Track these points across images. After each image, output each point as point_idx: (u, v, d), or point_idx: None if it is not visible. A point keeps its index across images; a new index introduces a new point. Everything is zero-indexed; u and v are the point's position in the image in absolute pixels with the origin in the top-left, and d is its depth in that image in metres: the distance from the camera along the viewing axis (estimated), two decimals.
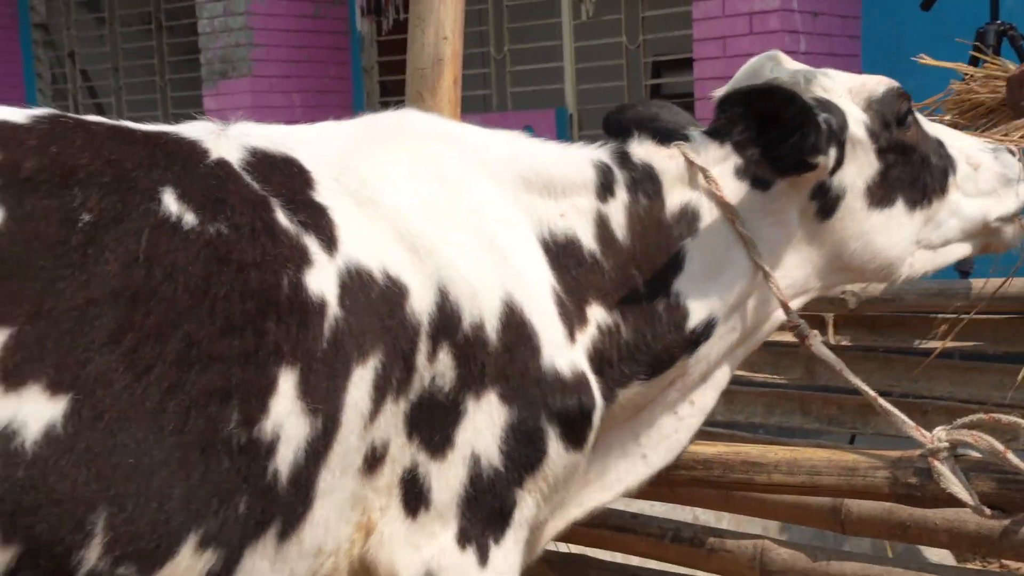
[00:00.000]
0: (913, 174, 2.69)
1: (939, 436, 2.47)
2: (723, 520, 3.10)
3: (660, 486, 2.82)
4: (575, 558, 3.15)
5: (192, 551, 1.99)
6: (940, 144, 2.75)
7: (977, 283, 3.47)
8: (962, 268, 5.20)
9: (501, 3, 10.10)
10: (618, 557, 3.06)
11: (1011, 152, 2.87)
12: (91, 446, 1.90)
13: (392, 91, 10.87)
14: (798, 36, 7.55)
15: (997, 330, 3.67)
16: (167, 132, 2.22)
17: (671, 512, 3.15)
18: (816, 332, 2.65)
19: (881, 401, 2.58)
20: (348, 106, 10.71)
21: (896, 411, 2.55)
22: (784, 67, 2.67)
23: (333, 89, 10.89)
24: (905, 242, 2.71)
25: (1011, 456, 2.43)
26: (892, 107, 2.66)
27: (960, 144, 2.81)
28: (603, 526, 2.92)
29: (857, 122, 2.61)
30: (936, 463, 2.47)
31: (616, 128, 2.79)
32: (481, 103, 10.45)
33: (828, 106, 2.54)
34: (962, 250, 2.84)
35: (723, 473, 2.71)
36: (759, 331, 2.69)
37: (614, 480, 2.63)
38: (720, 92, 2.71)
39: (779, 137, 2.49)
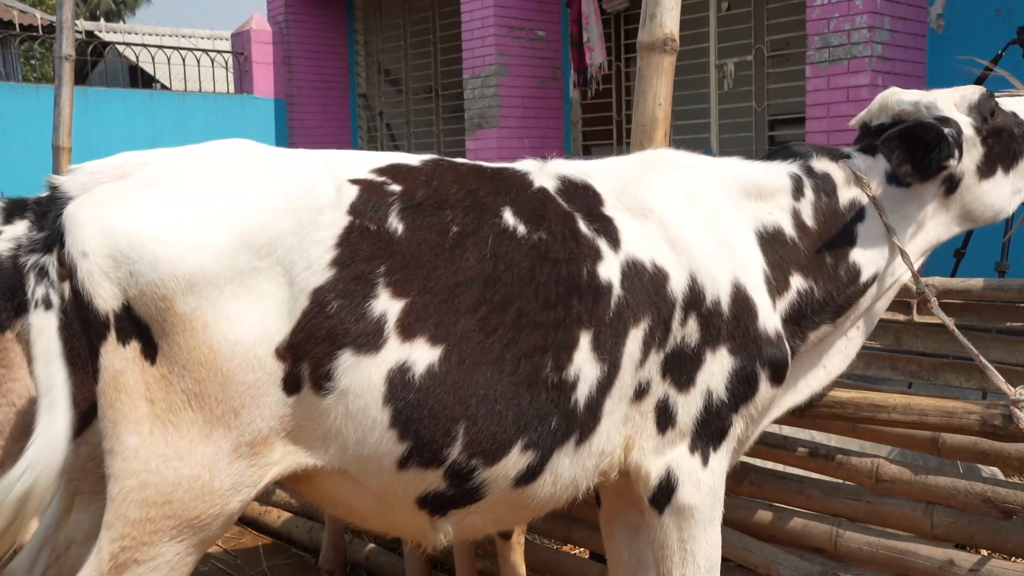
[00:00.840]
0: (1005, 147, 2.59)
1: (1020, 390, 2.35)
2: (850, 445, 2.98)
3: (806, 419, 2.74)
4: (740, 464, 3.09)
5: (519, 452, 2.01)
6: (1014, 115, 2.63)
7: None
8: (1000, 269, 4.90)
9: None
10: (768, 465, 2.96)
11: None
12: (456, 381, 1.94)
13: (590, 137, 10.82)
14: None
15: None
16: (506, 168, 2.23)
17: (811, 437, 3.05)
18: (935, 297, 2.56)
19: (981, 359, 2.46)
20: (561, 148, 10.67)
21: (990, 366, 2.43)
22: (904, 99, 2.55)
23: (551, 136, 10.86)
24: (1006, 195, 2.64)
25: None
26: (986, 106, 2.56)
27: None
28: (761, 443, 2.83)
29: (967, 125, 2.52)
30: (1016, 410, 2.35)
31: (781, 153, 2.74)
32: None
33: (948, 121, 2.45)
34: None
35: (854, 411, 2.62)
36: (895, 288, 2.60)
37: (803, 386, 2.55)
38: (855, 121, 2.69)
39: (922, 154, 2.42)
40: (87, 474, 2.28)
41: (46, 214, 1.84)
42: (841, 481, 2.82)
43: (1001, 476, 3.81)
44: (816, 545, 2.79)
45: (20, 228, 2.74)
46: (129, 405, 1.80)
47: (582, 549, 3.59)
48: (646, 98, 3.08)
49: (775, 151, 2.78)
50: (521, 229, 2.07)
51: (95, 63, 14.12)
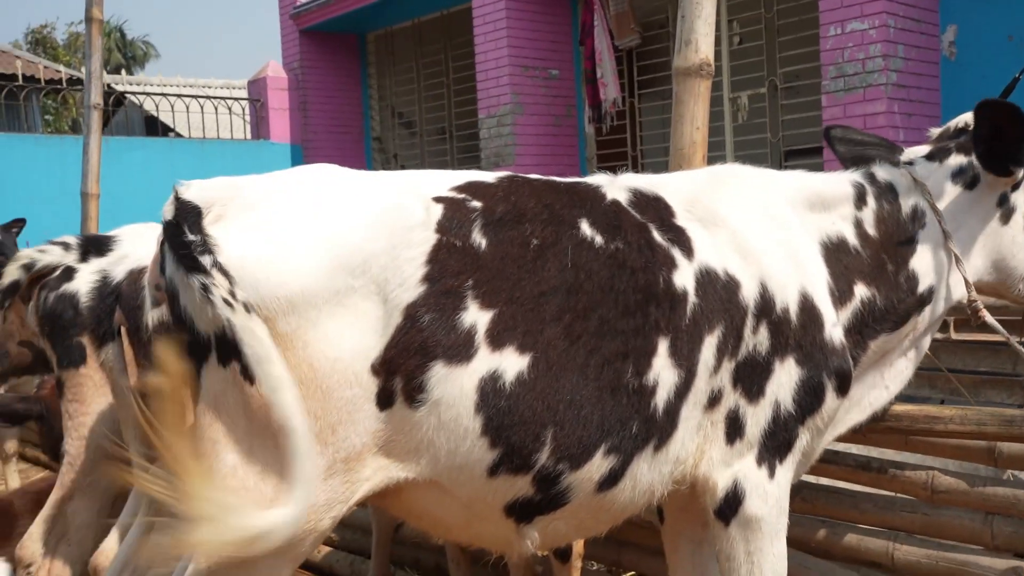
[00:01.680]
0: None
1: None
2: (903, 459, 2.96)
3: (857, 434, 2.74)
4: None
5: (602, 456, 2.03)
6: None
7: None
8: None
9: None
10: (823, 480, 2.95)
11: None
12: (544, 387, 1.95)
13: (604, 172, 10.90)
14: (898, 130, 7.28)
15: None
16: (579, 182, 2.26)
17: (865, 452, 3.05)
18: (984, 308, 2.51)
19: None
20: None
21: None
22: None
23: (568, 173, 10.60)
24: None
25: None
26: None
27: None
28: None
29: None
30: None
31: (833, 138, 2.79)
32: None
33: None
34: None
35: (910, 424, 2.63)
36: (950, 302, 2.56)
37: (866, 404, 2.55)
38: (938, 131, 2.68)
39: (1002, 144, 2.42)
40: None
41: (186, 222, 1.80)
42: (895, 494, 2.81)
43: None
44: (873, 559, 2.78)
45: (98, 263, 2.80)
46: (229, 424, 1.82)
47: (631, 573, 3.57)
48: (683, 122, 3.13)
49: (833, 133, 2.80)
50: (598, 239, 2.09)
51: (113, 112, 14.32)
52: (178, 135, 15.22)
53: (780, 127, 9.05)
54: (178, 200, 1.84)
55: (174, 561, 2.01)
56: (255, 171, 2.08)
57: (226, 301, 1.75)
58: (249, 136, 13.78)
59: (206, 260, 1.76)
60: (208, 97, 13.49)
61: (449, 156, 12.77)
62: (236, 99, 13.87)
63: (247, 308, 1.76)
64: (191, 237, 1.79)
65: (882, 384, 2.56)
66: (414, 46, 13.09)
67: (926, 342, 2.61)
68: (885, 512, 2.79)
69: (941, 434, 2.60)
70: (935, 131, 2.71)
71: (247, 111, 13.70)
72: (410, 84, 13.26)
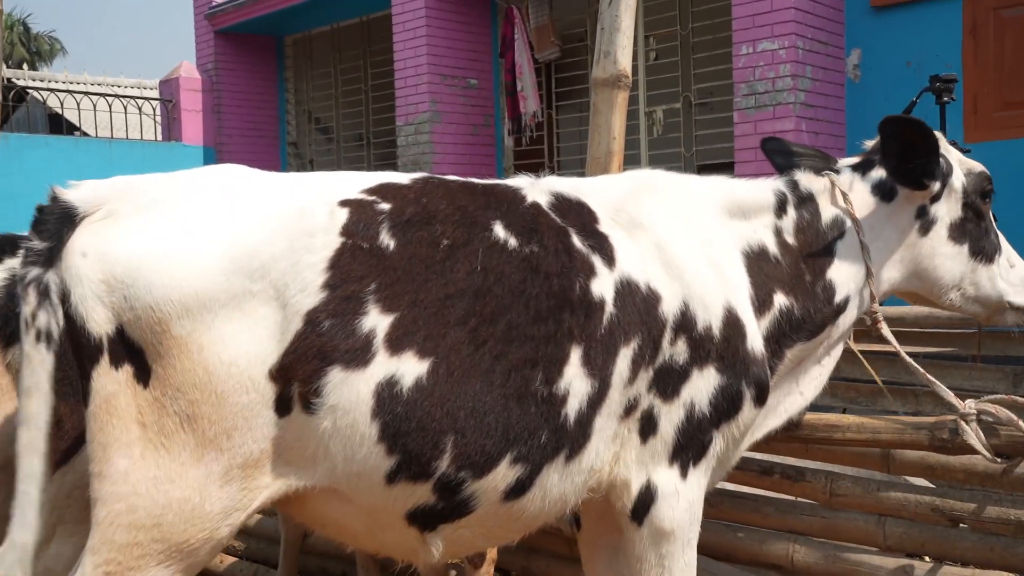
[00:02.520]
0: (979, 234, 2.62)
1: (969, 405, 2.45)
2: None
3: (759, 442, 2.81)
4: None
5: (507, 465, 1.99)
6: (998, 236, 2.69)
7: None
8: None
9: None
10: (728, 485, 3.02)
11: None
12: (444, 394, 1.92)
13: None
14: None
15: (966, 340, 3.66)
16: (498, 184, 2.23)
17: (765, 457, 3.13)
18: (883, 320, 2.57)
19: (929, 377, 2.54)
20: None
21: (940, 384, 2.52)
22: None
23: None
24: (957, 275, 2.61)
25: (1020, 422, 2.41)
26: (981, 183, 2.63)
27: (1008, 247, 2.73)
28: None
29: (958, 177, 2.59)
30: (963, 424, 2.45)
31: (770, 150, 2.80)
32: None
33: (946, 157, 2.54)
34: (975, 310, 2.68)
35: (810, 432, 2.71)
36: (862, 312, 2.60)
37: (782, 411, 2.57)
38: (870, 143, 2.71)
39: (911, 159, 2.46)
40: (72, 502, 2.22)
41: (47, 223, 1.82)
42: (796, 498, 2.90)
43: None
44: (773, 562, 2.87)
45: (9, 263, 2.69)
46: (120, 428, 1.78)
47: None
48: (600, 132, 3.19)
49: (769, 146, 2.82)
50: (512, 242, 2.06)
51: (14, 108, 13.82)
52: (84, 134, 14.76)
53: (694, 142, 9.26)
54: (52, 200, 1.84)
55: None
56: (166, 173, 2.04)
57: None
58: (160, 137, 13.45)
59: (47, 278, 1.78)
60: (117, 96, 13.12)
61: (366, 163, 12.67)
62: (147, 99, 13.53)
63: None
64: (37, 243, 1.80)
65: (797, 391, 2.59)
66: (333, 51, 12.98)
67: (839, 349, 2.65)
68: (786, 515, 2.87)
69: (839, 442, 2.69)
70: (869, 143, 2.73)
71: (158, 112, 13.38)
72: (328, 89, 13.13)
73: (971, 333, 3.67)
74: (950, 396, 2.49)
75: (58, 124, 15.92)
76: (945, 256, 2.59)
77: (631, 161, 9.78)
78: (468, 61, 10.72)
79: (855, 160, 2.68)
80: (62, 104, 13.47)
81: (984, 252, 2.63)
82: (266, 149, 13.43)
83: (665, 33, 9.44)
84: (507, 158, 10.97)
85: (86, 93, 13.01)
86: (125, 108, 12.90)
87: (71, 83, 16.27)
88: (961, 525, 2.58)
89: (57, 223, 1.82)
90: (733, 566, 2.91)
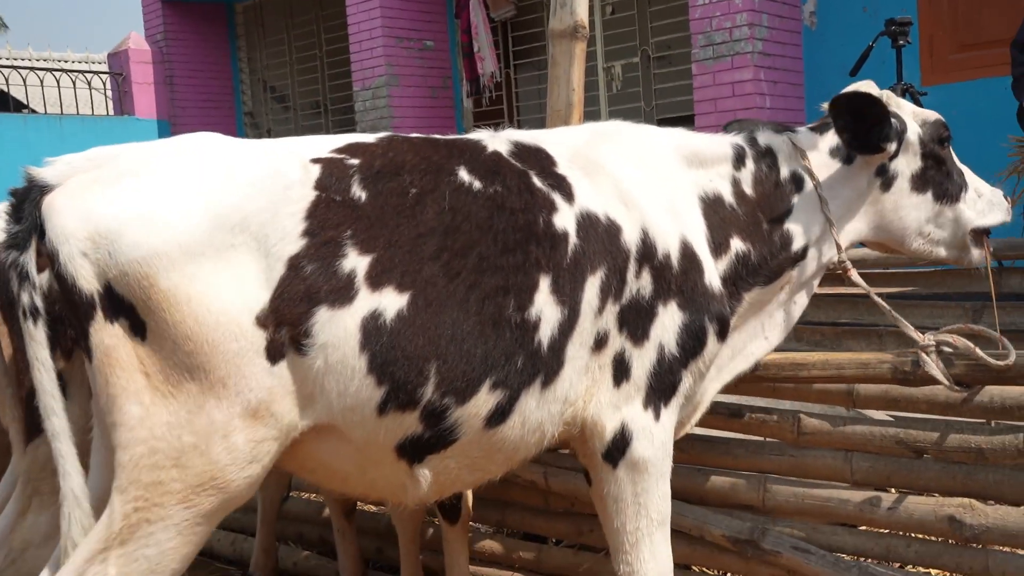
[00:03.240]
0: (940, 179, 2.73)
1: (929, 337, 2.53)
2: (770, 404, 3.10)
3: (728, 385, 2.85)
4: None
5: (487, 390, 2.10)
6: (962, 173, 2.80)
7: None
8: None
9: None
10: (698, 430, 3.06)
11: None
12: (425, 323, 2.03)
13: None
14: (764, 96, 7.56)
15: (927, 279, 3.73)
16: (460, 138, 2.34)
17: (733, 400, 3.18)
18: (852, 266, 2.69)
19: (895, 314, 2.64)
20: None
21: (902, 319, 2.61)
22: (873, 89, 2.69)
23: None
24: (920, 220, 2.72)
25: (978, 350, 2.48)
26: (937, 130, 2.73)
27: (974, 178, 2.85)
28: None
29: (913, 131, 2.69)
30: (924, 355, 2.52)
31: (734, 126, 2.86)
32: None
33: (897, 116, 2.63)
34: (940, 253, 2.80)
35: (777, 372, 2.77)
36: (825, 260, 2.71)
37: (749, 353, 2.68)
38: (825, 105, 2.76)
39: (864, 127, 2.56)
40: (46, 475, 2.23)
41: (23, 203, 1.90)
42: (765, 439, 2.96)
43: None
44: (745, 502, 2.93)
45: None
46: (126, 378, 1.87)
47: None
48: (559, 84, 3.19)
49: (730, 124, 2.91)
50: (477, 184, 2.17)
51: None
52: (33, 111, 14.45)
53: (653, 96, 9.27)
54: (27, 181, 1.92)
55: (52, 541, 1.99)
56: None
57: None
58: (112, 112, 13.21)
59: (24, 260, 1.87)
60: (65, 71, 12.85)
61: (324, 130, 12.54)
62: (96, 73, 13.26)
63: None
64: (15, 227, 1.88)
65: (762, 335, 2.70)
66: (285, 18, 12.78)
67: (804, 296, 2.76)
68: (755, 456, 2.93)
69: (805, 380, 2.74)
70: (825, 106, 2.81)
71: (108, 85, 13.12)
72: (282, 57, 12.95)
73: (931, 271, 3.75)
74: (911, 330, 2.57)
75: (4, 101, 15.55)
76: (910, 207, 2.71)
77: (591, 117, 9.69)
78: (423, 23, 10.62)
79: (814, 124, 2.80)
80: (7, 81, 13.17)
81: (948, 194, 2.74)
82: (222, 120, 13.24)
83: None
84: (467, 119, 10.92)
85: (32, 68, 12.74)
86: (74, 83, 12.64)
87: (15, 59, 15.90)
88: (924, 456, 2.65)
89: (33, 203, 1.89)
90: (706, 509, 2.97)
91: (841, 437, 2.75)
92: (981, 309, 3.57)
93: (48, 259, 1.90)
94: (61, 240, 1.85)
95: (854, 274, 2.67)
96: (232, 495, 1.96)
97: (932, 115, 2.78)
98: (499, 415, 2.13)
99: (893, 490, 2.77)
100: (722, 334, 2.42)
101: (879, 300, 2.66)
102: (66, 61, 16.55)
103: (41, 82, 12.40)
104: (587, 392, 2.28)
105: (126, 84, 12.73)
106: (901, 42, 5.93)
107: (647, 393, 2.31)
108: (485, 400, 2.10)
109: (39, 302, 1.89)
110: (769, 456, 2.90)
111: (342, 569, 3.63)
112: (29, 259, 1.87)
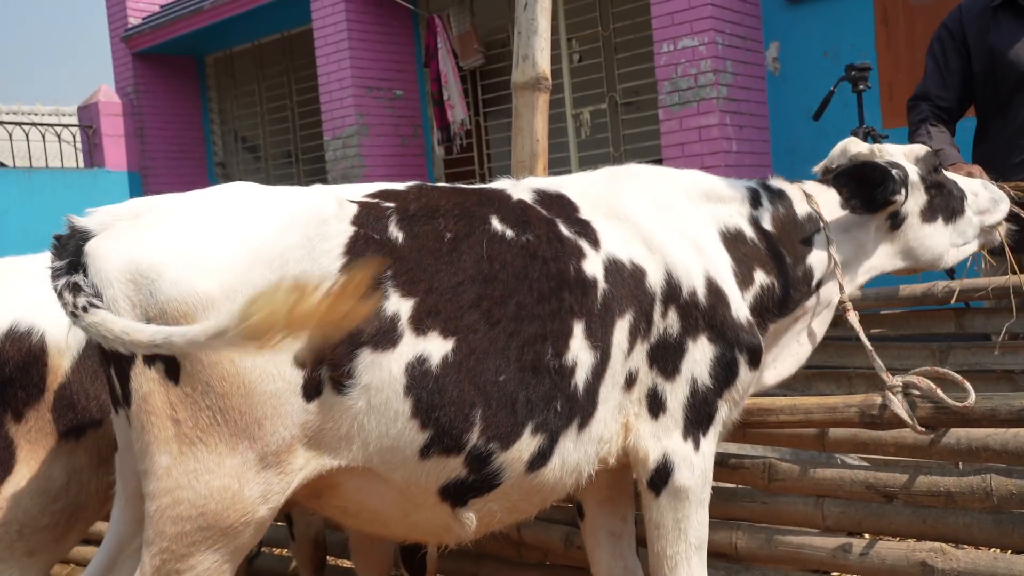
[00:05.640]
0: (946, 202, 2.88)
1: (897, 379, 2.54)
2: (743, 449, 3.11)
3: None
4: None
5: (530, 434, 2.15)
6: (955, 184, 2.94)
7: (882, 290, 3.55)
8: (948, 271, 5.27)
9: None
10: None
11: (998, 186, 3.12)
12: (469, 369, 2.06)
13: None
14: (731, 140, 7.65)
15: (894, 321, 3.76)
16: (484, 187, 2.39)
17: None
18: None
19: (874, 355, 2.67)
20: None
21: (878, 359, 2.66)
22: (861, 146, 2.86)
23: None
24: (945, 244, 2.89)
25: (940, 392, 2.49)
26: (930, 162, 2.87)
27: (965, 182, 3.01)
28: None
29: (913, 172, 2.80)
30: (891, 396, 2.53)
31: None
32: None
33: (896, 165, 2.74)
34: (972, 247, 2.99)
35: (746, 416, 2.74)
36: (830, 300, 2.80)
37: (758, 382, 2.73)
38: (818, 168, 2.98)
39: (869, 190, 2.68)
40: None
41: (65, 247, 1.92)
42: (736, 486, 2.94)
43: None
44: (717, 550, 2.89)
45: None
46: (159, 426, 1.88)
47: None
48: (523, 135, 3.22)
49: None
50: (509, 233, 2.22)
51: None
52: (2, 165, 14.37)
53: (622, 141, 9.37)
54: (69, 228, 1.94)
55: None
56: (90, 201, 2.14)
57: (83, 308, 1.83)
58: (82, 165, 13.16)
59: (75, 279, 1.85)
60: (34, 124, 12.81)
61: (296, 179, 12.57)
62: (66, 126, 13.22)
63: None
64: (58, 263, 1.89)
65: (771, 365, 2.78)
66: (255, 68, 12.85)
67: (819, 330, 2.85)
68: (728, 504, 2.91)
69: (774, 425, 2.74)
70: (817, 167, 3.00)
71: (78, 138, 13.09)
72: (253, 107, 13.00)
73: (897, 313, 3.78)
74: (882, 371, 2.59)
75: None
76: (925, 236, 2.85)
77: (561, 163, 9.87)
78: (393, 72, 10.70)
79: (820, 180, 2.92)
80: None
81: (954, 211, 2.91)
82: (193, 171, 13.24)
83: (587, 35, 9.53)
84: (438, 167, 10.98)
85: (1, 123, 12.68)
86: (43, 136, 12.60)
87: None
88: (895, 501, 2.64)
89: (76, 247, 1.91)
90: None
91: (812, 483, 2.74)
92: (948, 350, 3.59)
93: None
94: (105, 284, 1.86)
95: (852, 316, 2.74)
96: (260, 526, 1.98)
97: (921, 149, 2.91)
98: (540, 458, 2.17)
99: (865, 535, 2.75)
100: (753, 363, 2.48)
101: (866, 341, 2.70)
102: (36, 114, 16.50)
103: (10, 136, 12.35)
104: (624, 428, 2.35)
105: (96, 137, 12.70)
106: (861, 87, 6.02)
107: (684, 425, 2.39)
108: (528, 444, 2.14)
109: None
110: (741, 503, 2.88)
111: None
112: (80, 278, 1.87)
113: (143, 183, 12.76)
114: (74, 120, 13.64)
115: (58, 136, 12.81)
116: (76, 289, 1.85)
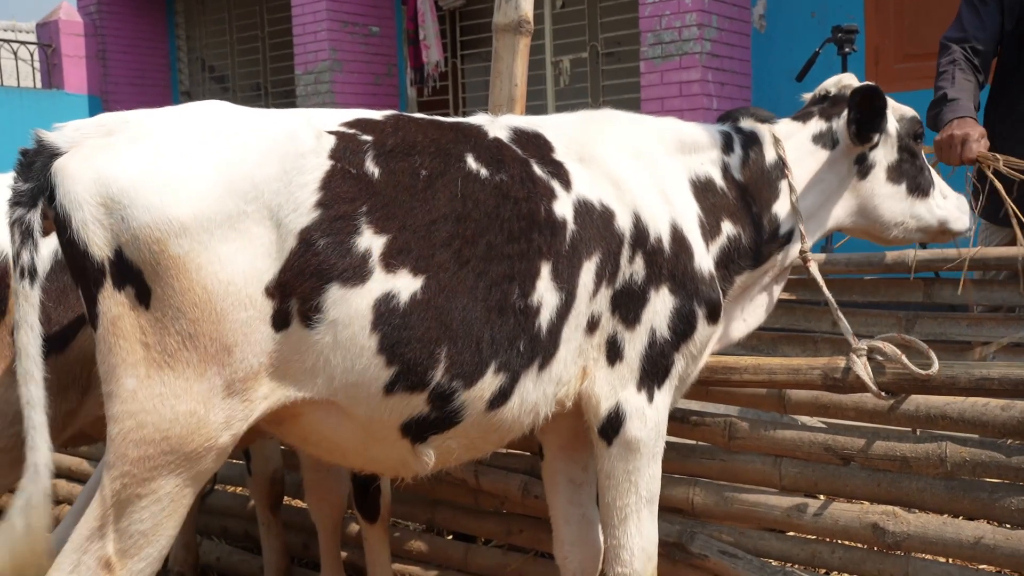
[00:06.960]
0: (914, 172, 2.92)
1: (862, 343, 2.61)
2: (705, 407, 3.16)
3: None
4: None
5: (492, 373, 2.19)
6: (931, 171, 2.99)
7: (853, 256, 3.61)
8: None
9: None
10: None
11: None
12: (437, 307, 2.09)
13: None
14: (712, 97, 7.65)
15: (863, 288, 3.81)
16: (462, 121, 2.40)
17: None
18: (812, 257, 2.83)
19: (839, 313, 2.77)
20: None
21: (844, 321, 2.74)
22: (856, 81, 2.91)
23: None
24: (899, 213, 2.91)
25: (904, 359, 2.55)
26: (913, 126, 2.93)
27: (940, 181, 3.05)
28: None
29: (892, 123, 2.86)
30: (855, 359, 2.59)
31: (727, 118, 3.01)
32: None
33: None
34: (919, 236, 3.01)
35: (709, 375, 2.81)
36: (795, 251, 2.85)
37: (728, 336, 2.82)
38: (811, 95, 3.01)
39: (867, 118, 2.74)
40: None
41: (31, 165, 1.90)
42: (696, 442, 3.00)
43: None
44: (674, 506, 2.97)
45: None
46: (126, 349, 1.89)
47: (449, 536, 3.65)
48: (501, 79, 3.20)
49: (722, 116, 3.05)
50: (484, 172, 2.25)
51: None
52: None
53: (601, 92, 9.33)
54: (36, 143, 1.92)
55: None
56: (48, 122, 2.06)
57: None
58: (40, 85, 12.87)
59: (30, 218, 1.87)
60: None
61: None
62: (23, 43, 12.90)
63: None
64: (21, 185, 1.89)
65: (740, 317, 2.84)
66: None
67: (783, 281, 2.92)
68: (687, 460, 2.97)
69: (737, 384, 2.80)
70: (807, 96, 3.03)
71: (36, 57, 12.78)
72: (222, 36, 12.75)
73: (868, 280, 3.84)
74: (850, 333, 2.66)
75: None
76: (885, 196, 2.89)
77: (538, 111, 9.77)
78: (369, 8, 10.54)
79: (798, 113, 2.96)
80: None
81: (920, 188, 2.93)
82: (157, 98, 12.98)
83: None
84: (410, 108, 10.87)
85: None
86: None
87: None
88: (851, 464, 2.72)
89: (43, 165, 1.89)
90: None
91: (771, 442, 2.80)
92: (914, 319, 3.66)
93: (53, 224, 1.91)
94: (74, 206, 1.85)
95: (813, 267, 2.80)
96: (221, 452, 2.01)
97: (909, 111, 2.96)
98: (501, 397, 2.21)
99: (821, 496, 2.83)
100: (712, 318, 2.52)
101: (828, 295, 2.77)
102: None
103: None
104: (581, 372, 2.38)
105: (55, 56, 12.41)
106: (847, 49, 6.04)
107: (640, 376, 2.42)
108: (490, 383, 2.18)
109: (38, 263, 1.90)
110: (700, 460, 2.95)
111: (267, 564, 3.61)
112: (35, 218, 1.88)
113: (104, 107, 12.49)
114: (32, 37, 13.30)
115: (14, 53, 12.49)
116: (27, 235, 1.87)
